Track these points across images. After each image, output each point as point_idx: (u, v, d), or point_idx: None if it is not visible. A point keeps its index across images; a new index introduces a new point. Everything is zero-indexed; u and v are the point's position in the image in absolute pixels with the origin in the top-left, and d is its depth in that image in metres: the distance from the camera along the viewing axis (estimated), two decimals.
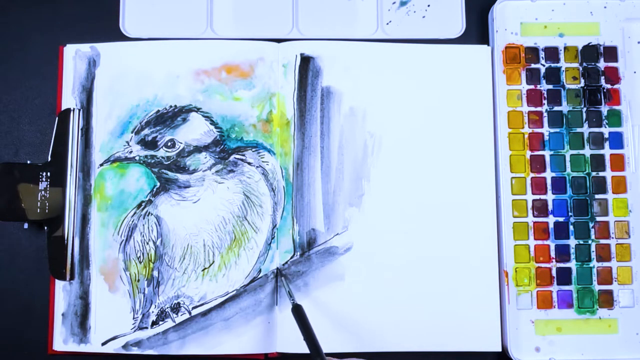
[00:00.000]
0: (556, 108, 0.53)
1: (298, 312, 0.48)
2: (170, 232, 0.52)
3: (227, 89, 0.53)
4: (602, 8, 0.54)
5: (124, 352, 0.51)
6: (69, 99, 0.53)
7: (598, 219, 0.52)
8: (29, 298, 0.53)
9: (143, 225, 0.52)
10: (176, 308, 0.51)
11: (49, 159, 0.52)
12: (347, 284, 0.52)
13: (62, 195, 0.52)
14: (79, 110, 0.53)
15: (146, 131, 0.53)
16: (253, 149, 0.53)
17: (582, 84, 0.54)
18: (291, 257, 0.52)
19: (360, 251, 0.52)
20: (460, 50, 0.54)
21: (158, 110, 0.53)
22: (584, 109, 0.53)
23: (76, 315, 0.51)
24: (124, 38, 0.54)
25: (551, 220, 0.52)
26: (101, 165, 0.53)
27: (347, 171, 0.53)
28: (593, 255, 0.52)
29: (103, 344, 0.51)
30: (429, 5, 0.55)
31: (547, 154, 0.53)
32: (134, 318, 0.51)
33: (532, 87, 0.53)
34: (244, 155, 0.53)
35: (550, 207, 0.52)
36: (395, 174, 0.53)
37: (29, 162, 0.52)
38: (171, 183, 0.52)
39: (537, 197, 0.52)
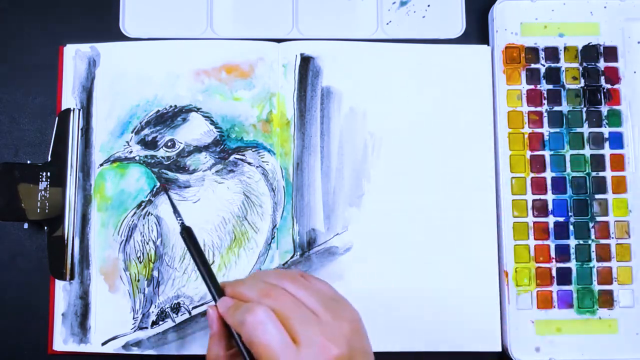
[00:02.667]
0: (556, 108, 0.53)
1: (189, 235, 0.46)
2: (170, 232, 0.52)
3: (227, 89, 0.53)
4: (602, 8, 0.54)
5: (124, 352, 0.51)
6: (69, 99, 0.53)
7: (598, 219, 0.52)
8: (29, 298, 0.53)
9: (143, 225, 0.52)
10: (176, 308, 0.51)
11: (49, 159, 0.52)
12: (347, 284, 0.51)
13: (62, 195, 0.52)
14: (79, 110, 0.53)
15: (146, 131, 0.53)
16: (253, 149, 0.53)
17: (582, 84, 0.53)
18: (291, 257, 0.52)
19: (360, 251, 0.52)
20: (460, 50, 0.54)
21: (158, 110, 0.53)
22: (584, 109, 0.53)
23: (76, 315, 0.51)
24: (124, 38, 0.54)
25: (551, 220, 0.52)
26: (101, 165, 0.53)
27: (347, 171, 0.53)
28: (593, 255, 0.52)
29: (103, 344, 0.51)
30: (429, 5, 0.55)
31: (547, 154, 0.53)
32: (134, 318, 0.51)
33: (532, 87, 0.53)
34: (244, 155, 0.53)
35: (550, 207, 0.52)
36: (395, 174, 0.53)
37: (29, 162, 0.52)
38: (171, 183, 0.52)
39: (537, 197, 0.52)
